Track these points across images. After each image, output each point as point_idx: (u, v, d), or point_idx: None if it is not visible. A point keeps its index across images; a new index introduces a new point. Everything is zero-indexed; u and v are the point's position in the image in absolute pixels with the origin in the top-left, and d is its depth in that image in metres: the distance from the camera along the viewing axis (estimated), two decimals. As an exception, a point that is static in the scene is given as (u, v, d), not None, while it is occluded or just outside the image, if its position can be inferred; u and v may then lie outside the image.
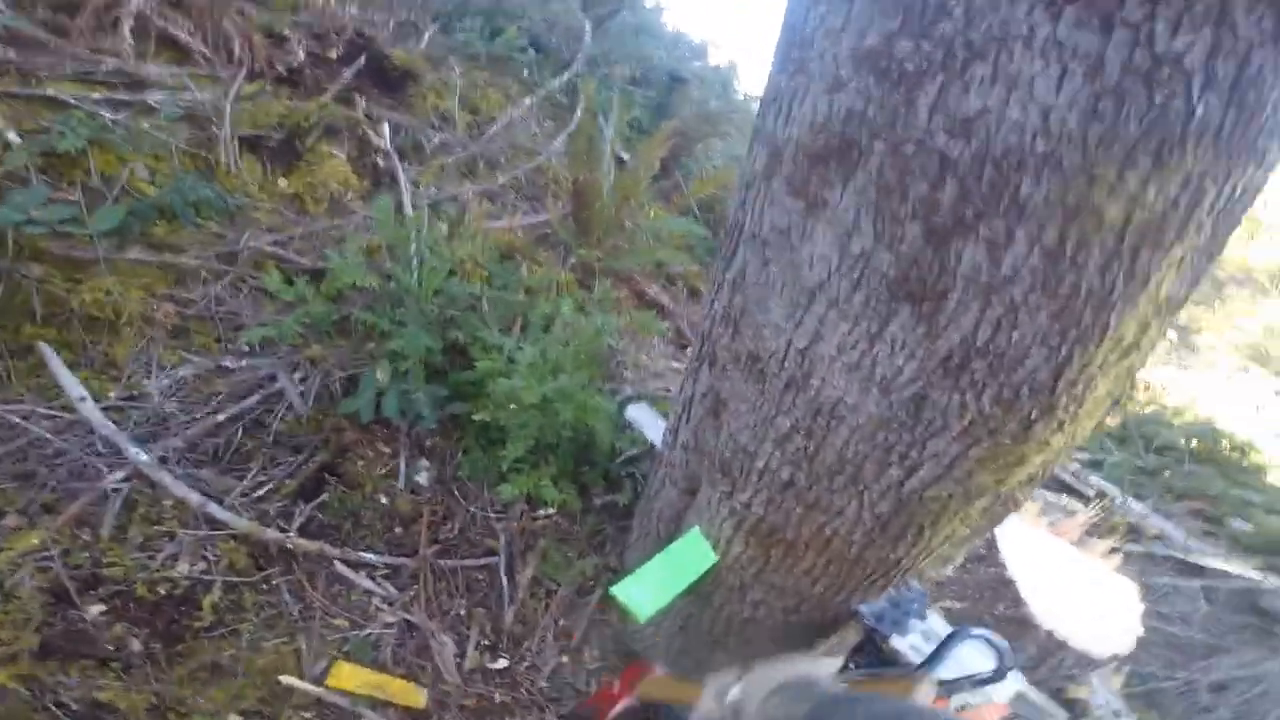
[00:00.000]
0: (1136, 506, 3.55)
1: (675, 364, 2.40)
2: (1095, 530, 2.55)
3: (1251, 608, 3.07)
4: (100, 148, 1.92)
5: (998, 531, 1.68)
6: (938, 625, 1.11)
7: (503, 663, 1.70)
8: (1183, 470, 4.11)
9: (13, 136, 1.85)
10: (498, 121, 2.92)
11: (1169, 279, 0.72)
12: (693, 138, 3.51)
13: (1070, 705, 2.36)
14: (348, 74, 2.62)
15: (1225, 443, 4.42)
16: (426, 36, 3.18)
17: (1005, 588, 1.55)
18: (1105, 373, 0.78)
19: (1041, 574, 1.65)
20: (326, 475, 1.84)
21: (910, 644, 1.08)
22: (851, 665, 1.15)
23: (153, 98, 2.15)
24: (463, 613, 1.76)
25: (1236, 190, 0.67)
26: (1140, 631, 1.64)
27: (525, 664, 1.72)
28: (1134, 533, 3.41)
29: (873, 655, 1.15)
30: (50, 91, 2.00)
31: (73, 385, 1.66)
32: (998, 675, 1.00)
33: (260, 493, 1.75)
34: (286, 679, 1.46)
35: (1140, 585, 1.77)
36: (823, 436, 0.91)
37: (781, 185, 0.86)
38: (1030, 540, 1.77)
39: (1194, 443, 4.34)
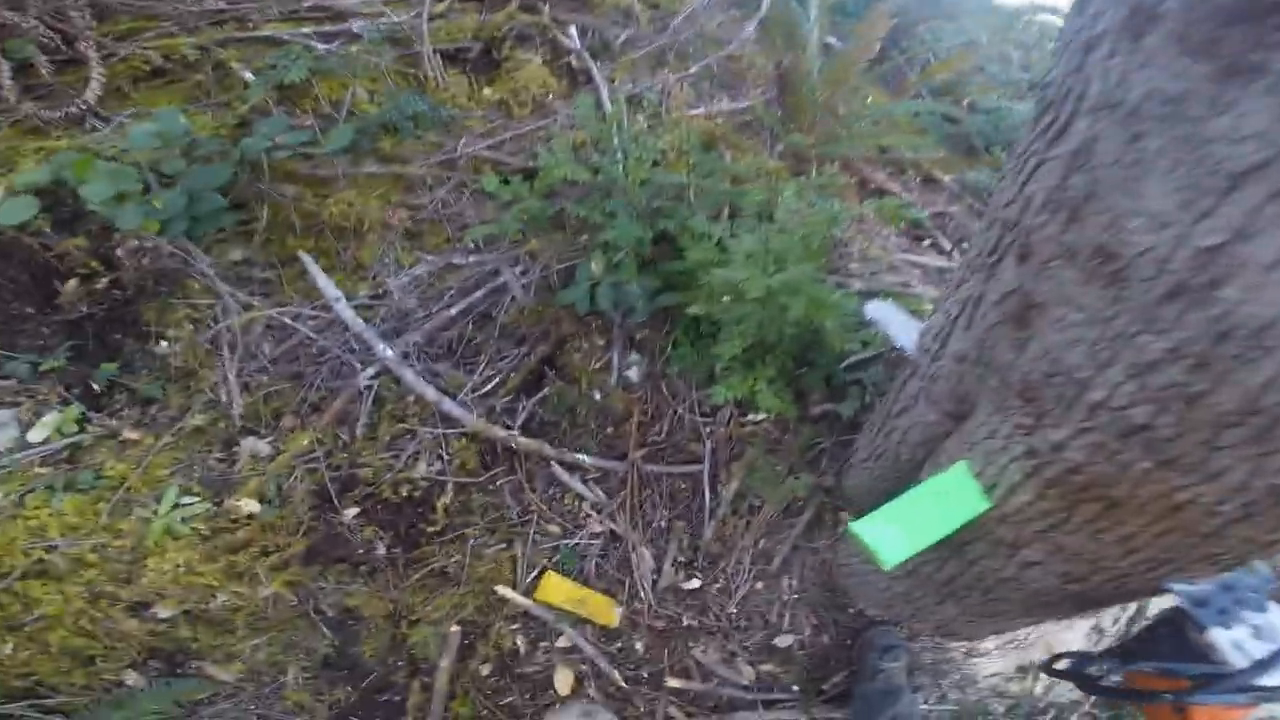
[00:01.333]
0: None
1: (911, 256, 2.07)
2: None
3: None
4: (321, 76, 2.06)
5: None
6: (1277, 620, 0.82)
7: (696, 583, 1.68)
8: None
9: (248, 75, 2.03)
10: (681, 13, 2.67)
11: None
12: (914, 19, 2.95)
13: None
14: None
15: None
16: None
17: None
18: None
19: None
20: (546, 369, 1.90)
21: (1233, 639, 0.82)
22: (1138, 652, 0.91)
23: (355, 25, 2.25)
24: (664, 524, 1.74)
25: None
26: None
27: (718, 585, 1.68)
28: None
29: (1174, 645, 0.90)
30: (267, 31, 2.18)
31: (329, 287, 1.84)
32: None
33: (488, 388, 1.85)
34: (501, 589, 1.56)
35: None
36: (1224, 370, 0.64)
37: (1167, 43, 0.58)
38: None
39: None
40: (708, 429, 1.85)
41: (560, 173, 1.66)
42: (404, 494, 1.67)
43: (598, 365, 1.88)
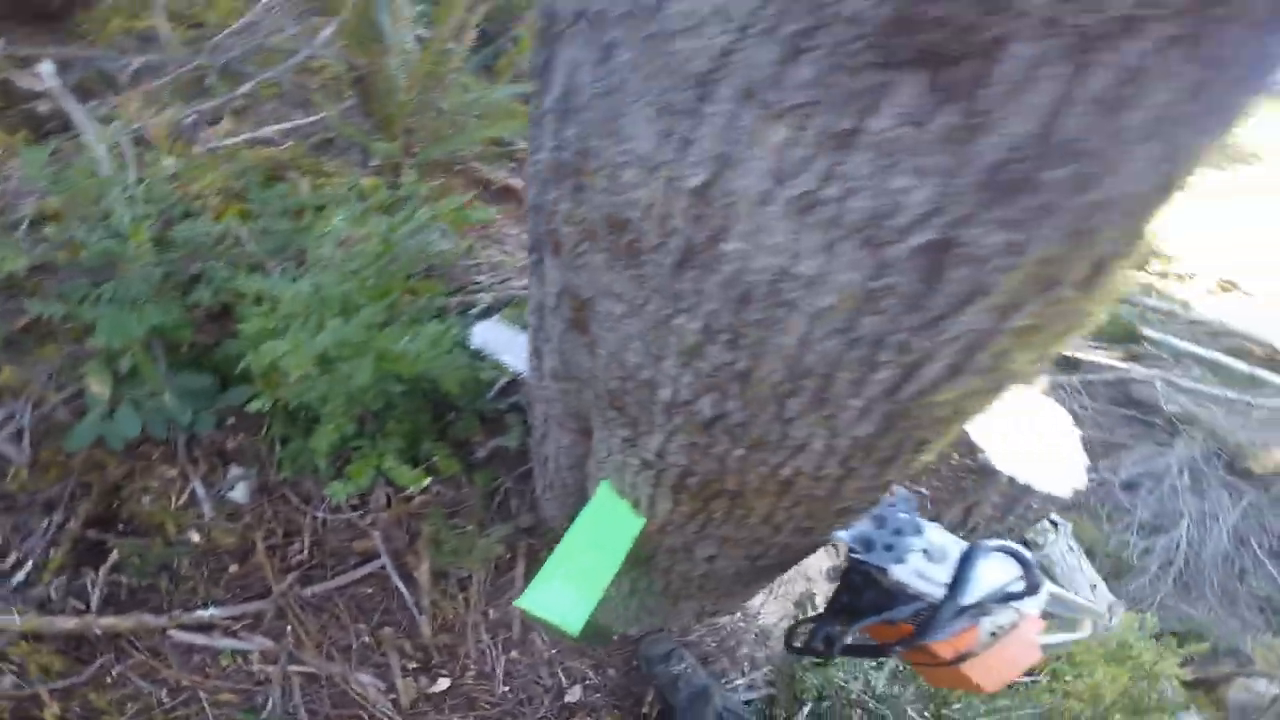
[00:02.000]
0: None
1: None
2: None
3: (1127, 399, 3.22)
4: None
5: None
6: (938, 537, 0.83)
7: (445, 682, 1.45)
8: None
9: None
10: (234, 25, 2.14)
11: None
12: (520, 3, 2.83)
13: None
14: None
15: None
16: None
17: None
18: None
19: (987, 419, 1.50)
20: (102, 532, 1.40)
21: (915, 570, 0.80)
22: (849, 611, 0.88)
23: None
24: (368, 639, 1.45)
25: None
26: (1088, 461, 1.54)
27: (471, 673, 1.46)
28: None
29: (872, 592, 0.87)
30: None
31: None
32: (1030, 589, 0.77)
33: (21, 576, 1.34)
34: None
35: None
36: (760, 339, 0.53)
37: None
38: None
39: None
40: (367, 520, 1.52)
41: (4, 264, 1.08)
42: None
43: (180, 503, 1.42)
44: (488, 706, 1.44)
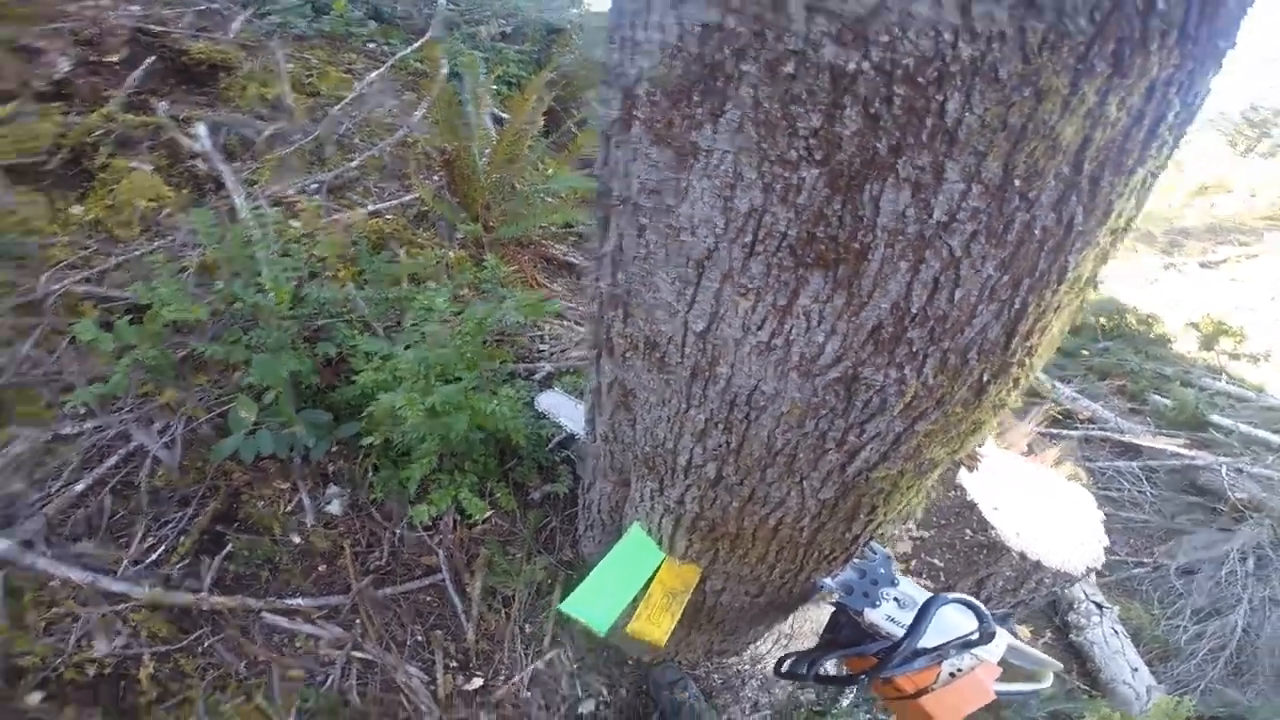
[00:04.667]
0: (1066, 390, 3.65)
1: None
2: (1026, 413, 2.57)
3: (1190, 485, 3.17)
4: None
5: None
6: (910, 590, 1.01)
7: (478, 681, 1.62)
8: (1098, 347, 4.28)
9: None
10: (343, 101, 2.52)
11: (1129, 207, 0.57)
12: (582, 86, 3.20)
13: (1054, 602, 2.42)
14: (135, 76, 2.17)
15: (1130, 317, 4.61)
16: (236, 24, 2.68)
17: (969, 511, 1.48)
18: (1060, 314, 0.64)
19: (1000, 491, 1.60)
20: (223, 526, 1.64)
21: (887, 614, 0.97)
22: (829, 644, 1.06)
23: None
24: (421, 638, 1.65)
25: (1196, 98, 0.52)
26: (1106, 541, 1.63)
27: (501, 678, 1.64)
28: (1068, 417, 3.49)
29: (850, 630, 1.05)
30: None
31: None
32: (984, 636, 0.92)
33: (154, 557, 1.56)
34: None
35: (1084, 470, 1.77)
36: (744, 429, 0.76)
37: (642, 133, 0.66)
38: (984, 460, 1.73)
39: (1102, 320, 4.50)
40: (435, 540, 1.77)
41: (171, 313, 1.41)
42: (91, 673, 1.38)
43: (288, 509, 1.68)
44: (511, 707, 1.60)
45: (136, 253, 1.77)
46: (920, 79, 0.46)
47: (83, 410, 1.59)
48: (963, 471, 1.47)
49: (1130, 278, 5.38)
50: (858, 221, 0.54)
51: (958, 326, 0.58)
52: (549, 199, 2.39)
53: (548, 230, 2.55)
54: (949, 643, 0.92)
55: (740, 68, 0.53)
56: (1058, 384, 3.66)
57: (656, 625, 1.07)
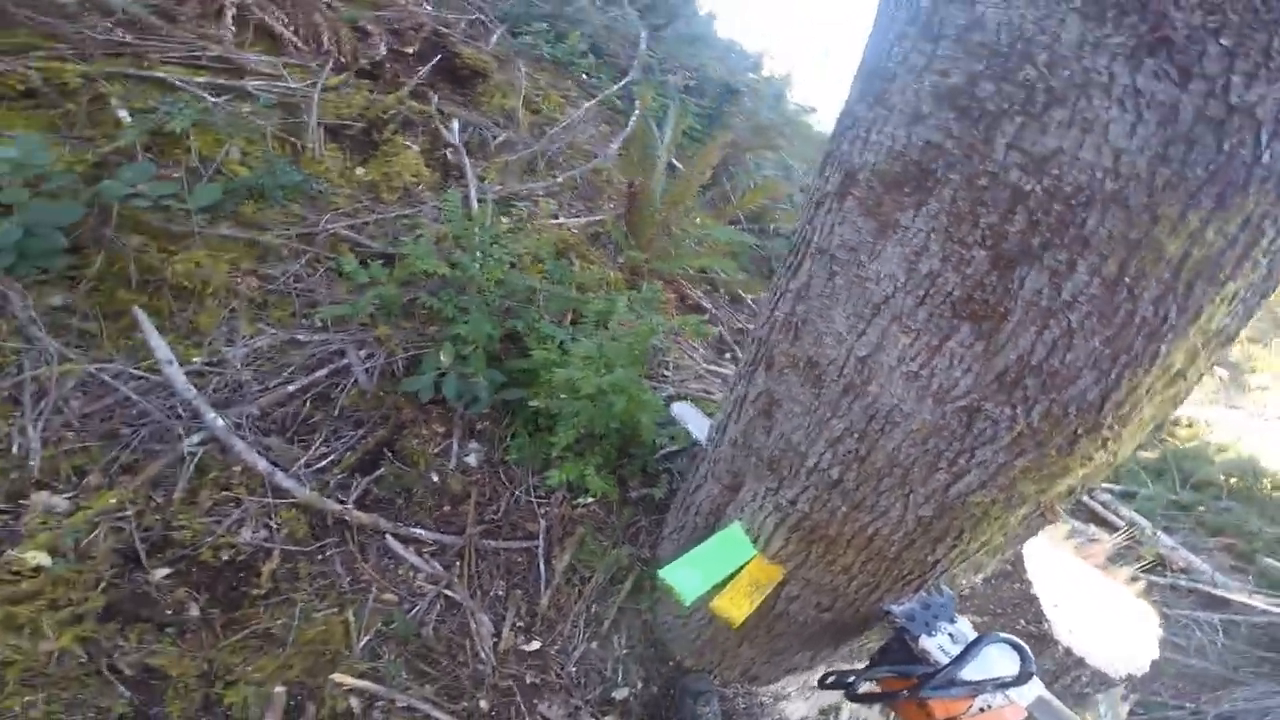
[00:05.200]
0: (1166, 540, 3.52)
1: (714, 367, 2.46)
2: (1121, 557, 2.53)
3: (1271, 643, 3.03)
4: (201, 129, 2.06)
5: (1025, 550, 1.72)
6: (965, 629, 1.15)
7: (536, 645, 1.78)
8: (1218, 506, 4.06)
9: (124, 115, 1.99)
10: (559, 123, 3.01)
11: (1220, 313, 0.77)
12: (743, 148, 3.56)
13: None
14: (424, 70, 2.75)
15: (1266, 481, 4.33)
16: (495, 37, 3.31)
17: (1028, 604, 1.58)
18: (1151, 398, 0.83)
19: (1064, 593, 1.68)
20: (384, 451, 1.93)
21: (939, 644, 1.12)
22: (877, 663, 1.20)
23: (250, 85, 2.29)
24: (502, 593, 1.84)
25: None
26: (1156, 655, 1.66)
27: (556, 648, 1.79)
28: (1160, 564, 3.38)
29: (900, 654, 1.18)
30: (160, 74, 2.14)
31: (161, 348, 1.78)
32: (1021, 678, 1.03)
33: (322, 464, 1.86)
34: (338, 676, 1.53)
35: (1160, 615, 1.79)
36: (875, 440, 0.98)
37: (854, 205, 0.93)
38: (1056, 561, 1.80)
39: (1233, 480, 4.26)
40: (542, 510, 1.99)
41: (423, 265, 1.82)
42: (224, 558, 1.59)
43: (436, 451, 1.96)
44: (555, 675, 1.74)
45: (392, 214, 2.24)
46: (1073, 200, 0.70)
47: (319, 324, 2.00)
48: (1032, 567, 1.58)
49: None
50: (1006, 291, 0.77)
51: (1064, 383, 0.79)
52: (696, 245, 2.72)
53: (687, 272, 2.87)
54: (989, 680, 1.04)
55: (948, 175, 0.79)
56: (1160, 533, 3.52)
57: (737, 607, 1.24)
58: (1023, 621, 1.64)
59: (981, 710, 1.06)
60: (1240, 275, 0.74)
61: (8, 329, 1.65)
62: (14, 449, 1.54)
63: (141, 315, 1.82)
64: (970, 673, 1.05)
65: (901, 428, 0.94)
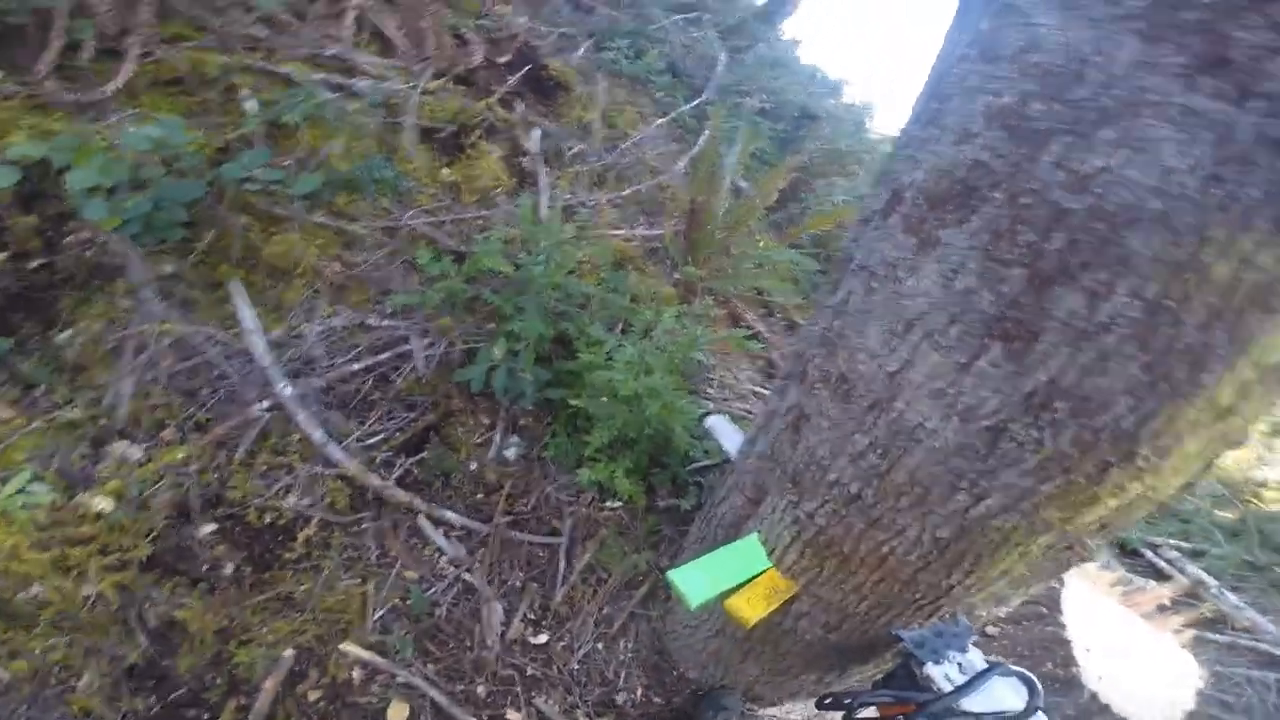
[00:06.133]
0: (1231, 598, 3.27)
1: (760, 389, 2.45)
2: (1173, 608, 2.32)
3: None
4: (313, 123, 2.26)
5: (1064, 593, 1.63)
6: (977, 660, 1.09)
7: (543, 638, 1.80)
8: None
9: (251, 105, 2.21)
10: (631, 138, 3.12)
11: (1276, 344, 0.73)
12: (816, 174, 3.56)
13: None
14: (513, 80, 2.92)
15: None
16: (581, 51, 3.47)
17: (1059, 647, 1.50)
18: (1196, 432, 0.79)
19: (1100, 639, 1.61)
20: (430, 434, 2.03)
21: (945, 673, 1.06)
22: (880, 687, 1.16)
23: (359, 84, 2.50)
24: (519, 584, 1.88)
25: None
26: (1191, 706, 1.53)
27: (563, 643, 1.82)
28: (1222, 622, 3.15)
29: (904, 681, 1.14)
30: (286, 69, 2.38)
31: (249, 318, 1.94)
32: (1026, 713, 0.97)
33: (372, 440, 1.96)
34: (346, 646, 1.59)
35: (1212, 673, 1.64)
36: (898, 456, 0.96)
37: (898, 222, 0.94)
38: (1096, 606, 1.71)
39: None
40: (570, 509, 2.03)
41: (489, 263, 1.92)
42: (267, 520, 1.71)
43: (479, 441, 2.05)
44: (557, 671, 1.75)
45: (469, 215, 2.38)
46: (1116, 219, 0.69)
47: (390, 311, 2.14)
48: (1069, 610, 1.49)
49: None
50: (1040, 311, 0.76)
51: (1097, 408, 0.77)
52: (754, 266, 2.72)
53: (744, 293, 2.88)
54: (991, 713, 0.99)
55: (992, 194, 0.79)
56: (1227, 591, 3.25)
57: (753, 608, 1.23)
58: (1050, 664, 1.57)
59: None
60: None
61: (124, 289, 1.85)
62: (107, 398, 1.71)
63: (237, 287, 2.00)
64: (974, 704, 1.00)
65: (924, 445, 0.92)
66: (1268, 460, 5.10)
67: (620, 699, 1.77)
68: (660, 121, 3.35)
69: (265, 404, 1.84)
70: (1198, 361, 0.72)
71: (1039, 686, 0.99)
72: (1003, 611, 1.24)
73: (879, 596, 1.14)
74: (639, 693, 1.80)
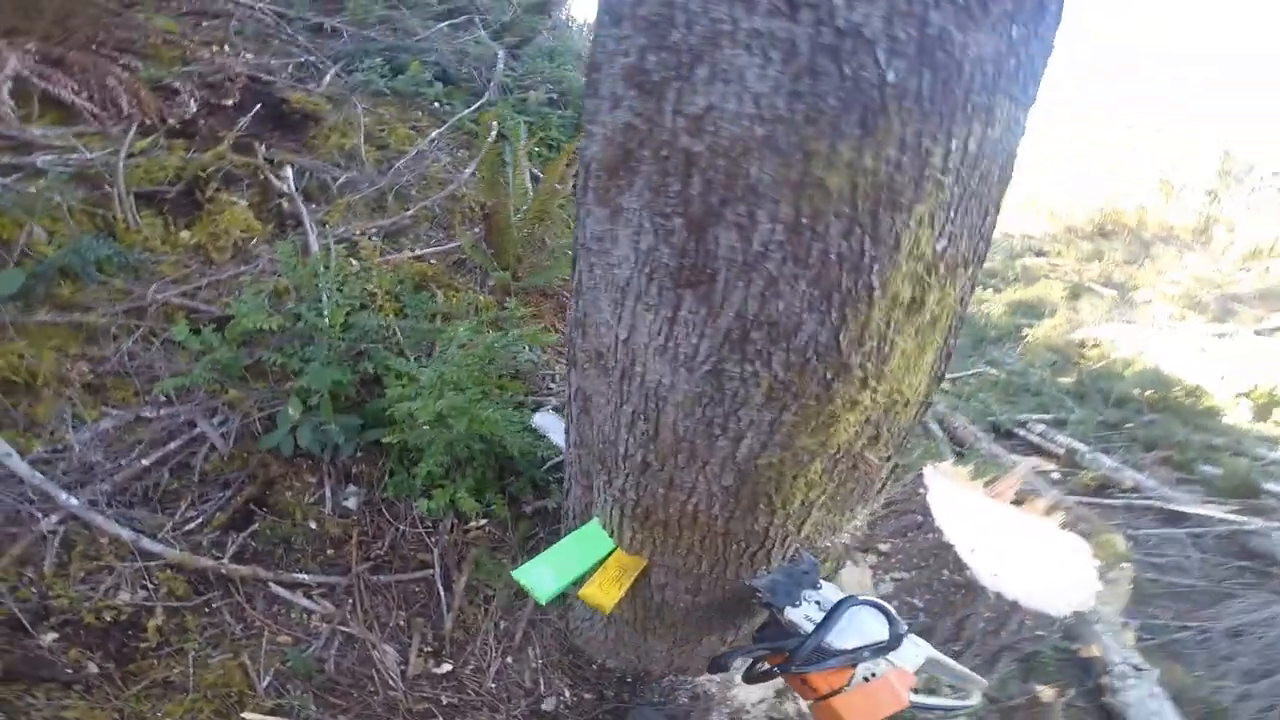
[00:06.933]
0: (1107, 460, 3.64)
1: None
2: (1063, 481, 2.54)
3: (1241, 550, 3.15)
4: None
5: (929, 497, 1.69)
6: (830, 594, 1.11)
7: (447, 667, 1.77)
8: (1143, 420, 4.24)
9: None
10: (407, 155, 2.95)
11: (926, 237, 0.79)
12: None
13: (1087, 664, 2.39)
14: (245, 121, 2.64)
15: (1177, 389, 4.57)
16: (327, 78, 3.21)
17: (945, 552, 1.52)
18: (900, 330, 0.85)
19: (982, 536, 1.60)
20: (255, 507, 1.91)
21: (805, 615, 1.09)
22: (754, 641, 1.19)
23: (40, 160, 2.17)
24: (402, 623, 1.83)
25: (969, 145, 0.73)
26: (1098, 586, 1.60)
27: (470, 667, 1.79)
28: (1108, 486, 3.49)
29: (774, 629, 1.17)
30: None
31: (-3, 444, 1.69)
32: (892, 642, 1.01)
33: (191, 526, 1.84)
34: (248, 715, 1.53)
35: (1126, 538, 1.74)
36: (656, 417, 0.97)
37: (592, 197, 0.93)
38: (965, 503, 1.73)
39: (1148, 392, 4.48)
40: (433, 539, 1.98)
41: (249, 323, 1.75)
42: (108, 619, 1.61)
43: (311, 499, 1.94)
44: (473, 694, 1.72)
45: (226, 274, 2.15)
46: (733, 154, 0.71)
47: (163, 398, 1.91)
48: (940, 513, 1.55)
49: (1178, 347, 5.29)
50: (708, 254, 0.78)
51: (789, 331, 0.80)
52: (570, 252, 2.68)
53: (569, 284, 2.84)
54: (863, 646, 1.00)
55: (642, 152, 0.79)
56: (1099, 455, 3.65)
57: (606, 594, 1.23)
58: (946, 571, 1.57)
59: (866, 679, 1.02)
60: (925, 198, 0.75)
61: None
62: None
63: (-36, 418, 1.71)
64: (845, 641, 1.02)
65: (670, 401, 0.94)
66: (1075, 323, 5.84)
67: (548, 705, 1.77)
68: (438, 132, 3.19)
69: (55, 518, 1.69)
70: (856, 267, 0.76)
71: (894, 614, 1.02)
72: (845, 537, 1.30)
73: (709, 553, 1.17)
74: (567, 694, 1.80)
